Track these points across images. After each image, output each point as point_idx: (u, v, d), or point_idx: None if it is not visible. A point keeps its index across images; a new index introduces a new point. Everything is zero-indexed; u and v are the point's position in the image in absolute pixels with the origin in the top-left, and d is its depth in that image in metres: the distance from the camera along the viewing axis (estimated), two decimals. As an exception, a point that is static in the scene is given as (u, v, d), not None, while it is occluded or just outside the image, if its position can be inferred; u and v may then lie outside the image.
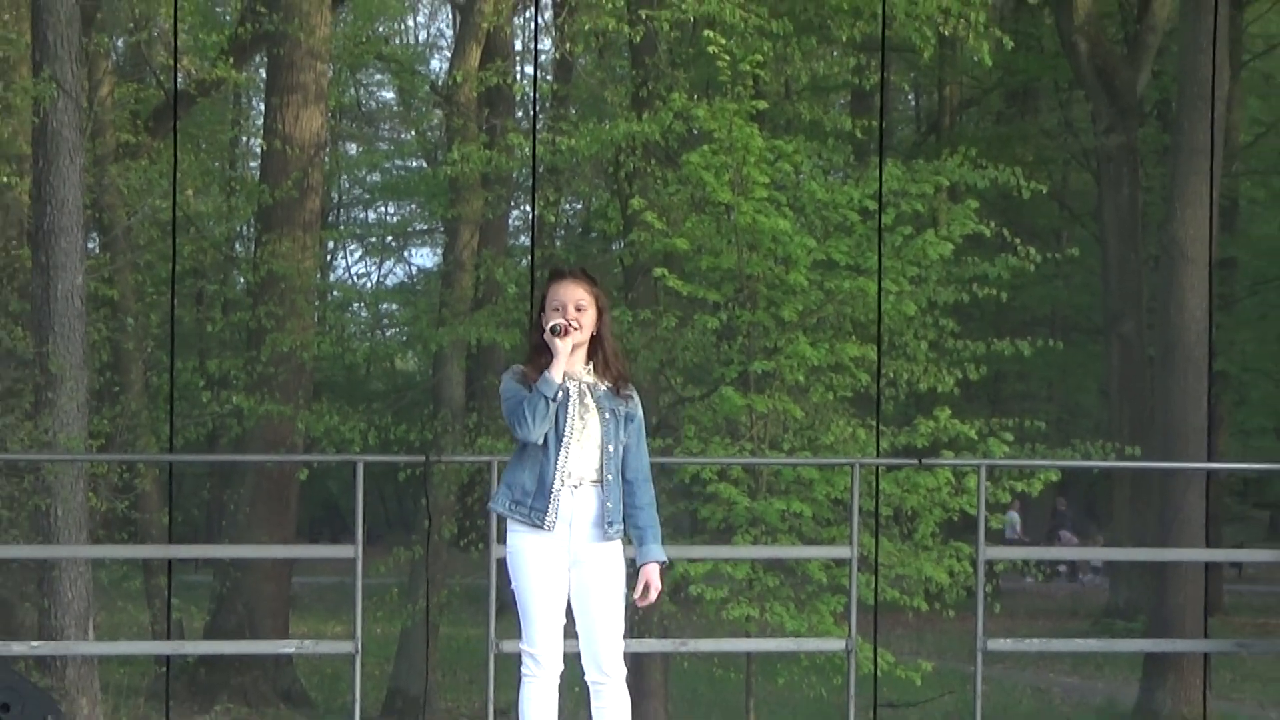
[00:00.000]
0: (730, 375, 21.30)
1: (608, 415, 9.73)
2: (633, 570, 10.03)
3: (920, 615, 21.61)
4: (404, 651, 24.74)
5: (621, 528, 9.81)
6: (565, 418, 9.65)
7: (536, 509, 9.68)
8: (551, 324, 9.60)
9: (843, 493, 19.15)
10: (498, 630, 13.84)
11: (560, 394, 9.61)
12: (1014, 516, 38.06)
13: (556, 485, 9.66)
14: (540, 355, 9.71)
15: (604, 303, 9.85)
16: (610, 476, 9.72)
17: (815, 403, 21.22)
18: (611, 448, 9.72)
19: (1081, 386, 33.61)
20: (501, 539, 10.17)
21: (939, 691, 21.01)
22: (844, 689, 15.04)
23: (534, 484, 9.68)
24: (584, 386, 9.75)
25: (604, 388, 9.76)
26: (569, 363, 9.67)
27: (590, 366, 9.80)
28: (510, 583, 9.87)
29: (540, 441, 9.63)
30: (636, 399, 9.92)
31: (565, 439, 9.66)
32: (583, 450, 9.70)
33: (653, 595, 9.84)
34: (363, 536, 14.18)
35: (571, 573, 9.76)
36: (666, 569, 9.78)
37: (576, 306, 9.70)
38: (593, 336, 9.77)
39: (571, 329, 9.61)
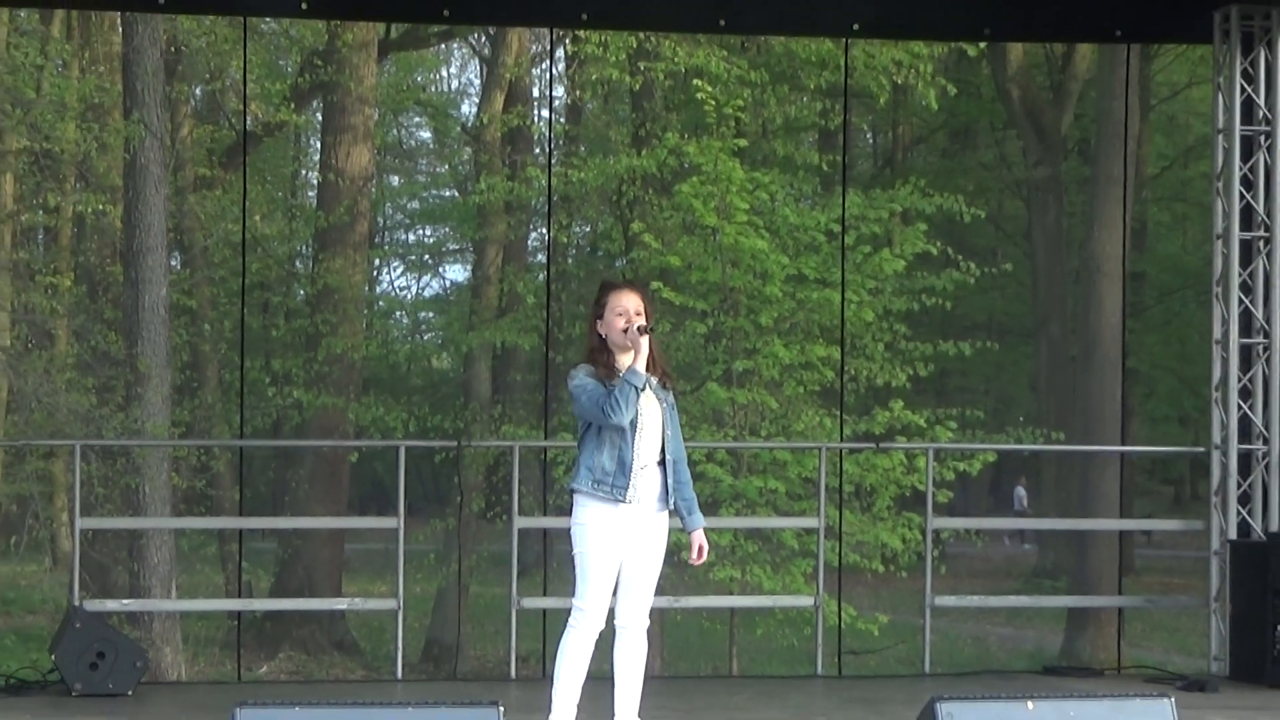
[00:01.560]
0: (716, 372, 21.32)
1: (663, 405, 9.76)
2: (675, 539, 10.03)
3: (877, 576, 21.63)
4: (439, 608, 24.76)
5: (671, 501, 9.83)
6: (638, 408, 9.70)
7: (618, 486, 9.60)
8: (637, 325, 9.56)
9: (811, 472, 19.16)
10: (519, 590, 13.90)
11: (640, 326, 9.59)
12: (1021, 491, 37.90)
13: (636, 466, 9.65)
14: (601, 354, 9.69)
15: (652, 310, 9.86)
16: (668, 457, 9.74)
17: (788, 395, 21.24)
18: (669, 432, 9.73)
19: (1014, 382, 33.56)
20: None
21: (893, 641, 21.01)
22: (813, 638, 15.08)
23: (614, 465, 9.60)
24: (648, 380, 9.79)
25: (655, 381, 9.78)
26: (624, 359, 9.68)
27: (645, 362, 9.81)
28: (572, 549, 9.77)
29: (622, 426, 9.59)
30: (673, 390, 9.96)
31: (639, 426, 9.65)
32: (650, 435, 9.69)
33: (705, 556, 9.87)
34: (404, 510, 14.23)
35: (633, 540, 9.72)
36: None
37: (637, 312, 9.69)
38: None
39: (650, 330, 9.61)
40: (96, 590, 19.14)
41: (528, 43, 26.41)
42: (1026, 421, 25.74)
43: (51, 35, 24.63)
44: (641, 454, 9.64)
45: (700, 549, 9.84)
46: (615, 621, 9.85)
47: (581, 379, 9.63)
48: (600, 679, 9.99)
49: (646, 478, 9.68)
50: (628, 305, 9.68)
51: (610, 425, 9.55)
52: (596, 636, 9.78)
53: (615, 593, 9.82)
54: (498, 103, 26.63)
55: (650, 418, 9.69)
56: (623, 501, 9.60)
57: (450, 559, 23.84)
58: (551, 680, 9.91)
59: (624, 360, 9.65)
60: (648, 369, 9.69)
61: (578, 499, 9.71)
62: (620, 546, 9.70)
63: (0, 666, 13.72)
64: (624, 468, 9.60)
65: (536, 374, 26.77)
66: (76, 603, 13.38)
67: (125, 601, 18.53)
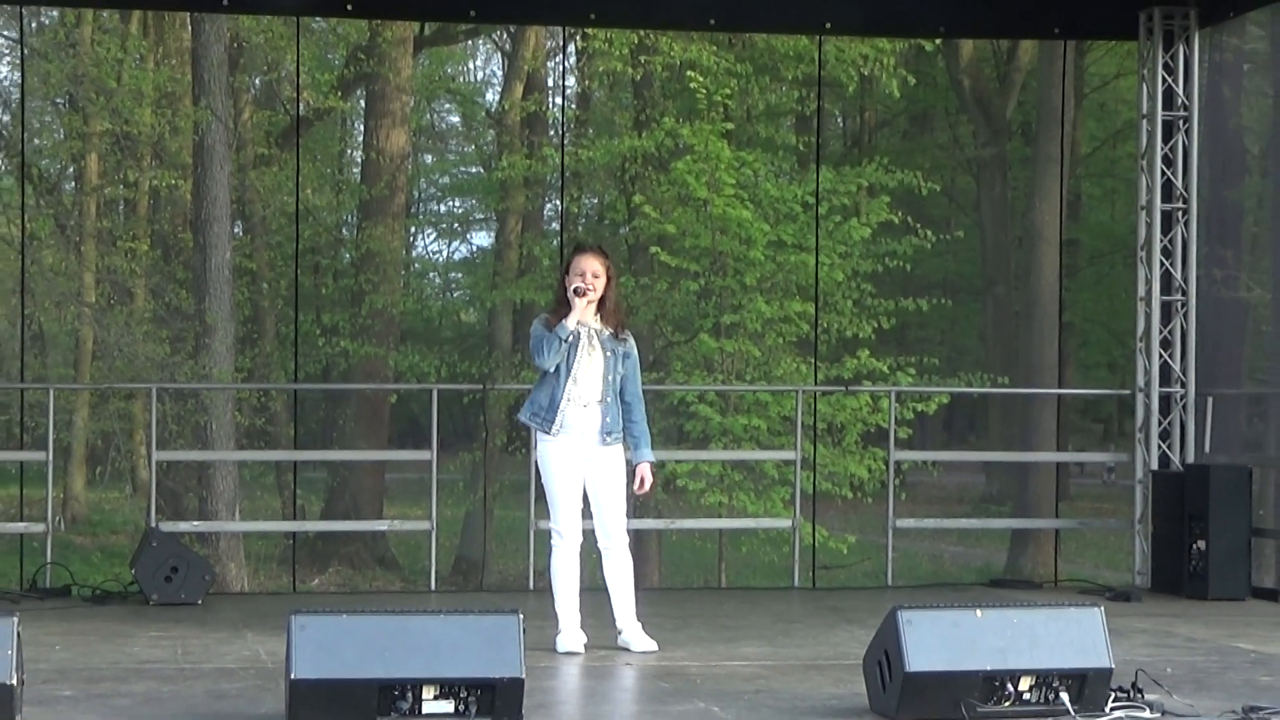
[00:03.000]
0: (706, 325, 21.32)
1: (609, 353, 9.90)
2: (632, 470, 10.11)
3: (846, 501, 21.65)
4: (467, 529, 24.78)
5: (620, 436, 9.96)
6: (575, 354, 9.80)
7: (547, 419, 9.86)
8: (574, 287, 9.73)
9: (789, 411, 19.17)
10: (535, 513, 13.92)
11: (572, 337, 9.76)
12: None
13: (563, 403, 9.81)
14: (562, 307, 9.88)
15: (612, 271, 10.01)
16: (610, 398, 9.90)
17: (769, 345, 21.23)
18: (611, 377, 9.90)
19: (965, 333, 33.47)
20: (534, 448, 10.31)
21: (860, 558, 21.01)
22: (790, 555, 15.10)
23: (547, 401, 9.86)
24: (592, 331, 9.88)
25: (608, 333, 9.91)
26: (584, 314, 9.82)
27: (599, 317, 9.92)
28: (540, 478, 10.02)
29: (554, 370, 9.77)
30: (632, 341, 10.08)
31: (573, 369, 9.80)
32: (588, 378, 9.85)
33: (646, 487, 10.01)
34: (436, 444, 14.25)
35: (586, 469, 9.89)
36: (657, 468, 9.88)
37: (594, 274, 9.85)
38: (602, 296, 9.89)
39: (588, 292, 9.73)
40: (170, 513, 19.16)
41: (543, 39, 26.33)
42: (976, 368, 25.67)
43: (130, 32, 24.55)
44: (574, 394, 9.84)
45: (642, 480, 10.03)
46: (598, 545, 9.97)
47: (535, 326, 9.98)
48: (601, 593, 10.03)
49: (581, 415, 9.86)
50: (585, 267, 9.92)
51: (538, 367, 9.89)
52: (577, 551, 9.95)
53: (593, 519, 9.98)
54: (517, 91, 26.60)
55: (590, 363, 9.87)
56: (549, 433, 9.87)
57: (476, 486, 23.86)
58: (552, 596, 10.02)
59: (578, 316, 9.85)
60: (604, 322, 9.92)
61: (535, 434, 10.09)
62: (574, 474, 9.91)
63: (88, 579, 13.72)
64: (554, 404, 9.84)
65: (551, 327, 26.71)
66: (153, 524, 13.40)
67: (195, 523, 18.52)
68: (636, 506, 15.61)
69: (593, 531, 9.99)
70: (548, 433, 9.88)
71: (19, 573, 14.00)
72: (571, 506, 9.90)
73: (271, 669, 8.81)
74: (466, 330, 32.45)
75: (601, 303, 9.91)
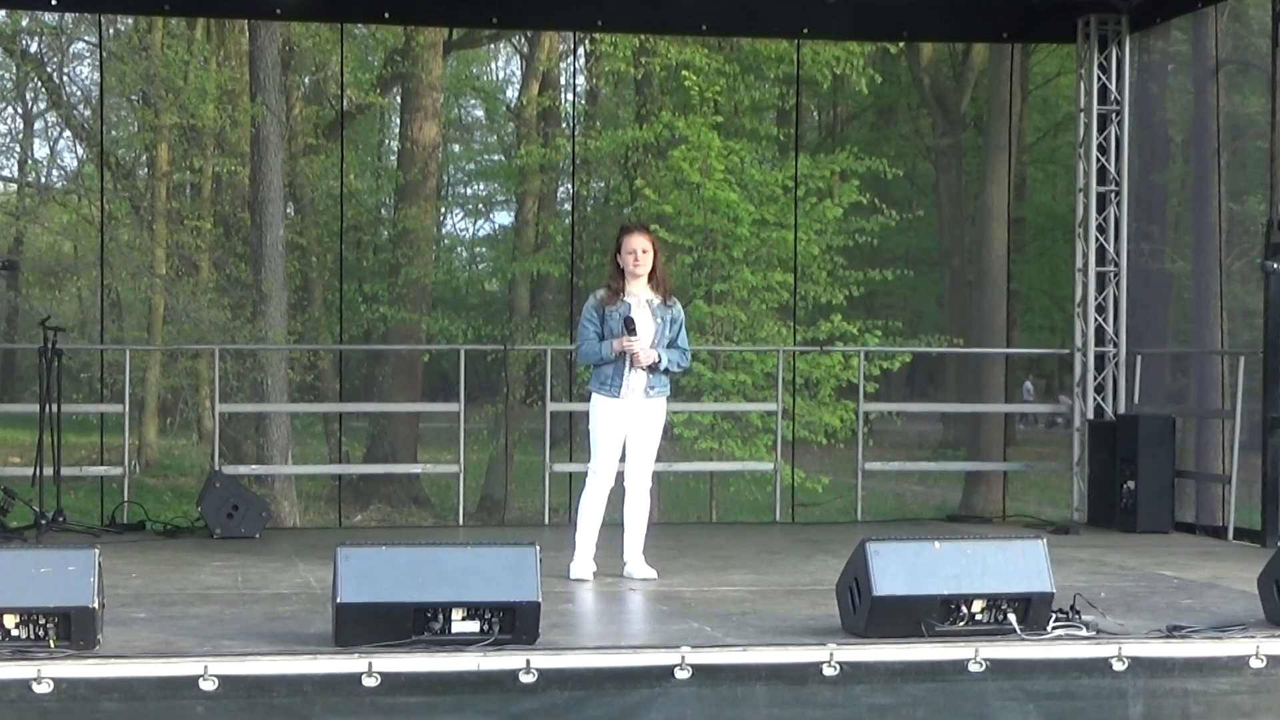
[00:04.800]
0: (699, 293, 21.28)
1: (659, 320, 9.81)
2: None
3: (821, 447, 21.65)
4: (491, 471, 24.77)
5: (664, 390, 9.91)
6: (634, 323, 9.70)
7: (614, 387, 9.78)
8: (625, 343, 9.69)
9: (771, 368, 19.15)
10: (551, 458, 13.91)
11: (628, 319, 9.68)
12: (1028, 385, 37.46)
13: (628, 372, 9.75)
14: (615, 281, 9.82)
15: (658, 245, 9.94)
16: (662, 356, 9.79)
17: (754, 310, 21.21)
18: (660, 341, 9.81)
19: (925, 300, 33.44)
20: (572, 399, 10.25)
21: (833, 496, 21.03)
22: (772, 494, 15.11)
23: (611, 371, 9.76)
24: (643, 301, 9.81)
25: (658, 301, 9.83)
26: (634, 285, 9.77)
27: (650, 287, 9.83)
28: (588, 423, 9.97)
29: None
30: (678, 306, 10.02)
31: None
32: (641, 343, 9.74)
33: (635, 349, 9.74)
34: (464, 397, 14.24)
35: (631, 420, 9.81)
36: (657, 363, 9.76)
37: (643, 250, 9.78)
38: (652, 268, 9.81)
39: (634, 342, 9.67)
40: (231, 458, 19.16)
41: (557, 43, 26.26)
42: (935, 330, 25.66)
43: (195, 37, 24.52)
44: (633, 363, 9.74)
45: (645, 353, 9.74)
46: (624, 482, 9.92)
47: (587, 309, 9.88)
48: (613, 528, 10.03)
49: (638, 377, 9.78)
50: (635, 245, 9.80)
51: (580, 359, 9.96)
52: (607, 492, 9.88)
53: (624, 460, 9.86)
54: (534, 88, 26.56)
55: (642, 334, 9.75)
56: (616, 397, 9.77)
57: (499, 434, 23.88)
58: (574, 526, 9.99)
59: (631, 287, 9.80)
60: (655, 291, 9.82)
61: (592, 394, 9.89)
62: (620, 426, 9.83)
63: (160, 516, 13.73)
64: (620, 373, 9.76)
65: (564, 294, 26.61)
66: (216, 468, 13.40)
67: (253, 467, 18.57)
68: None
69: (623, 474, 9.94)
70: (616, 397, 9.77)
71: (100, 510, 14.03)
72: (612, 453, 9.84)
73: (320, 594, 8.81)
74: (490, 298, 32.39)
75: (651, 274, 9.84)
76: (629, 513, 9.93)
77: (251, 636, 7.55)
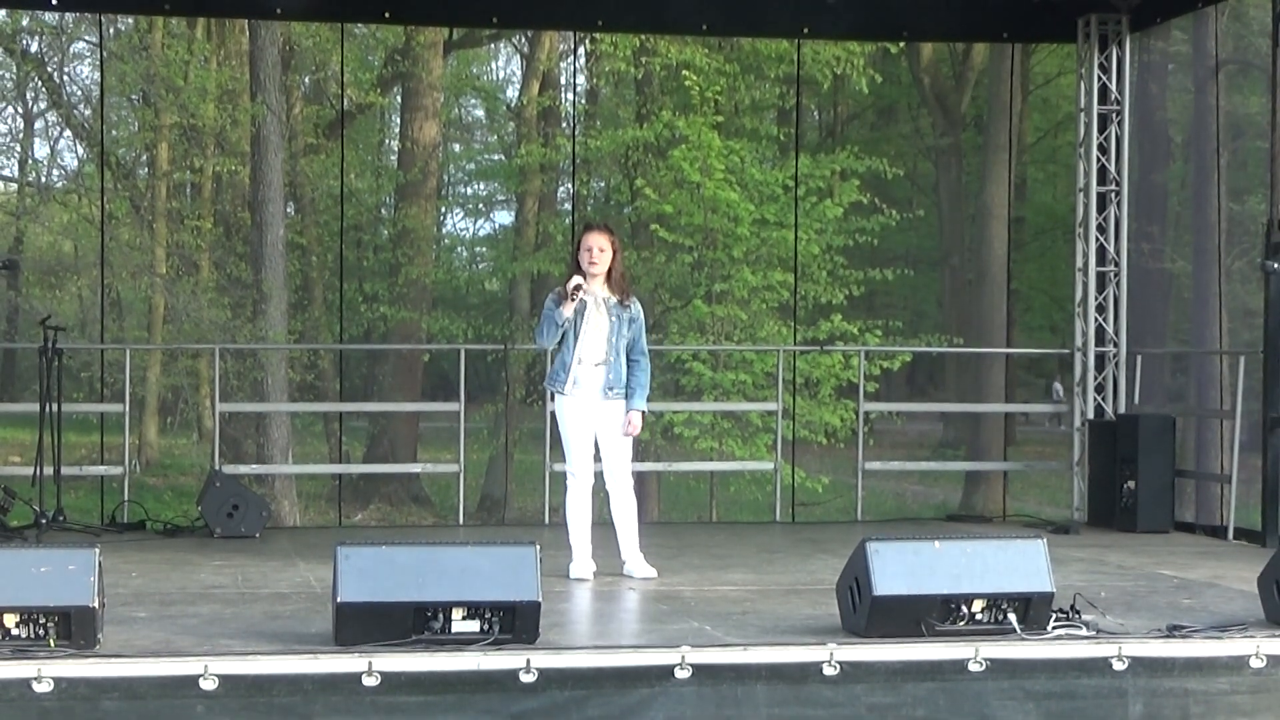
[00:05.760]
0: (699, 293, 21.29)
1: (613, 318, 9.84)
2: (669, 419, 10.09)
3: (822, 446, 21.65)
4: (491, 470, 24.77)
5: (622, 391, 9.91)
6: (583, 320, 9.76)
7: (561, 380, 9.86)
8: (575, 284, 9.69)
9: (772, 368, 19.15)
10: (550, 458, 13.91)
11: (577, 308, 9.72)
12: (1058, 386, 37.38)
13: (573, 364, 9.79)
14: (574, 275, 9.83)
15: (617, 245, 9.96)
16: (613, 358, 9.84)
17: (754, 310, 21.21)
18: (614, 339, 9.84)
19: (925, 300, 33.42)
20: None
21: (833, 496, 21.03)
22: (772, 494, 15.11)
23: (559, 365, 9.86)
24: (599, 299, 9.83)
25: (614, 300, 9.85)
26: (591, 284, 9.78)
27: (607, 286, 9.87)
28: (558, 429, 10.04)
29: (565, 337, 9.78)
30: (637, 306, 10.01)
31: (581, 334, 9.76)
32: (594, 341, 9.81)
33: (631, 429, 9.90)
34: (464, 397, 14.24)
35: (595, 420, 9.85)
36: (655, 417, 9.88)
37: (600, 248, 9.81)
38: (609, 268, 9.86)
39: (578, 289, 9.69)
40: (231, 457, 19.16)
41: (557, 42, 26.25)
42: (935, 330, 25.66)
43: (195, 37, 24.52)
44: (583, 355, 9.80)
45: (630, 422, 9.89)
46: (606, 487, 9.97)
47: (547, 302, 9.89)
48: (608, 528, 10.04)
49: (590, 373, 9.82)
50: (593, 243, 9.88)
51: (539, 344, 9.97)
52: (589, 491, 9.95)
53: (602, 464, 9.99)
54: (534, 88, 26.53)
55: (596, 328, 9.81)
56: (562, 392, 9.86)
57: (499, 433, 23.87)
58: (566, 531, 10.01)
59: (589, 286, 9.84)
60: (610, 290, 9.82)
61: (554, 394, 10.04)
62: (584, 425, 9.88)
63: (160, 515, 13.72)
64: (565, 366, 9.83)
65: (564, 294, 26.72)
66: (217, 467, 13.40)
67: (253, 466, 18.56)
68: (639, 452, 15.63)
69: (603, 474, 9.99)
70: (562, 392, 9.85)
71: (100, 509, 14.03)
72: (583, 453, 9.88)
73: (320, 593, 8.81)
74: (490, 297, 32.39)
75: (608, 274, 9.88)
76: (615, 516, 9.98)
77: (252, 636, 7.55)
